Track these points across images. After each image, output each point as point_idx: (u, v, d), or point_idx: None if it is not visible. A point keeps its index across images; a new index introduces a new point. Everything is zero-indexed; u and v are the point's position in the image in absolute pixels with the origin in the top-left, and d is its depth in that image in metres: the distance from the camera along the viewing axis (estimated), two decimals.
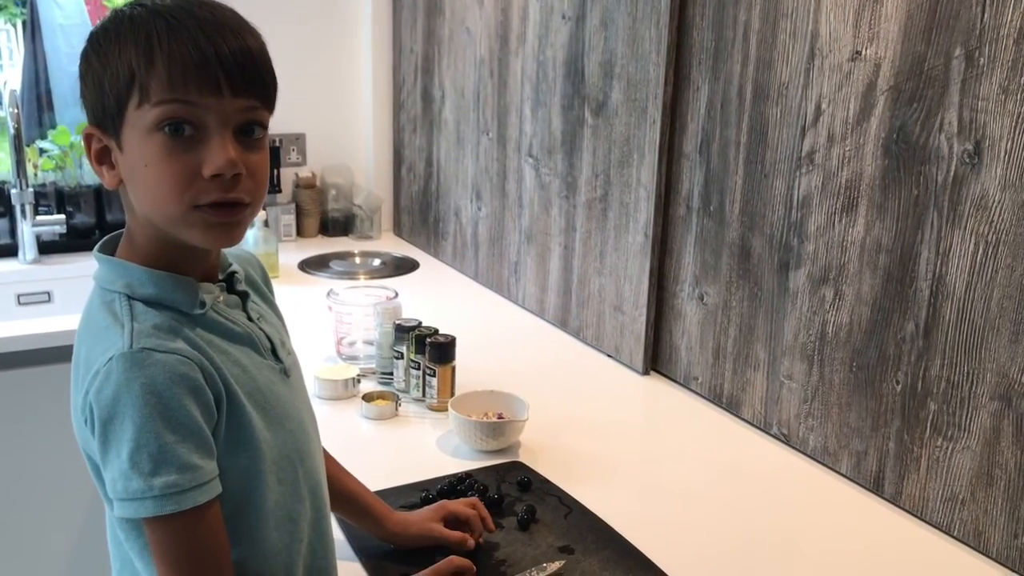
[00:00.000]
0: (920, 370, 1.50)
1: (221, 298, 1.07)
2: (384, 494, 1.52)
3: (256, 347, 1.09)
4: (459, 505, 1.38)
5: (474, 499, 1.40)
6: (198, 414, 0.95)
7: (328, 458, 1.34)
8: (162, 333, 0.96)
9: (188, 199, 0.94)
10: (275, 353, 1.14)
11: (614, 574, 1.34)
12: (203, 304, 1.02)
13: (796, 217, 1.70)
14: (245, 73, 0.93)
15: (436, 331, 1.91)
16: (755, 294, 1.82)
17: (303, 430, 1.16)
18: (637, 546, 1.41)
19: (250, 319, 1.10)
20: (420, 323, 1.94)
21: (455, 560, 1.27)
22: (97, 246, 1.04)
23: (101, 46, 0.96)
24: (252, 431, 1.04)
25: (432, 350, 1.86)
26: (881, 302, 1.56)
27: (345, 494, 1.35)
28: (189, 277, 1.01)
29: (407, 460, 1.69)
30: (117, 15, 0.97)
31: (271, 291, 1.24)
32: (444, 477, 1.60)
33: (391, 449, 1.75)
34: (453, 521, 1.38)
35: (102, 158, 1.00)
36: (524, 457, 1.70)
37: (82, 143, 1.05)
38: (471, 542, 1.35)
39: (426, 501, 1.49)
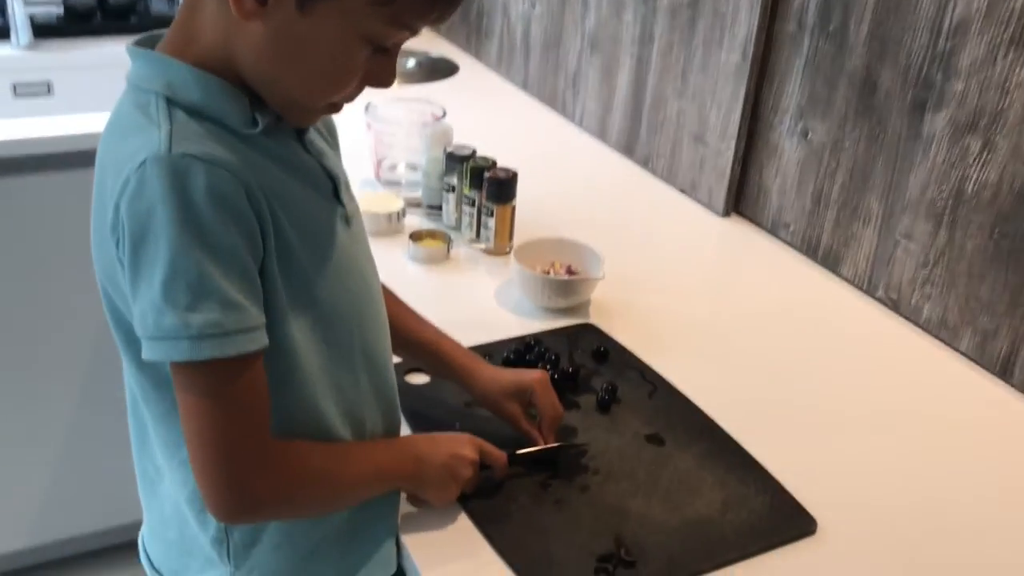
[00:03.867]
0: None
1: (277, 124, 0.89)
2: None
3: (316, 183, 0.92)
4: (545, 395, 1.16)
5: (544, 377, 1.18)
6: (243, 245, 0.81)
7: (395, 301, 1.17)
8: (206, 141, 0.81)
9: (334, 97, 0.87)
10: (337, 194, 0.95)
11: (714, 473, 1.16)
12: (256, 122, 0.85)
13: (944, 47, 1.40)
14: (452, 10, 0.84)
15: (494, 163, 1.64)
16: (876, 136, 1.53)
17: (366, 288, 0.99)
18: (735, 437, 1.22)
19: (308, 152, 0.94)
20: (475, 152, 1.68)
21: (497, 455, 1.09)
22: (133, 40, 0.88)
23: None
24: (303, 279, 0.89)
25: (491, 187, 1.60)
26: None
27: (420, 344, 1.17)
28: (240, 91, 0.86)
29: (462, 314, 1.47)
30: None
31: (335, 137, 1.04)
32: (508, 342, 1.39)
33: (443, 300, 1.53)
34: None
35: None
36: (596, 318, 1.49)
37: None
38: (539, 442, 1.16)
39: None
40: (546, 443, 1.15)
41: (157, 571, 1.05)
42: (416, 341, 1.18)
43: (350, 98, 0.88)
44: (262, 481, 0.86)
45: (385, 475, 0.99)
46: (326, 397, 0.94)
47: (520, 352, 1.35)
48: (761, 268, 1.72)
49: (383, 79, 0.86)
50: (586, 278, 1.50)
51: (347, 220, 0.96)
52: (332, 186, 0.95)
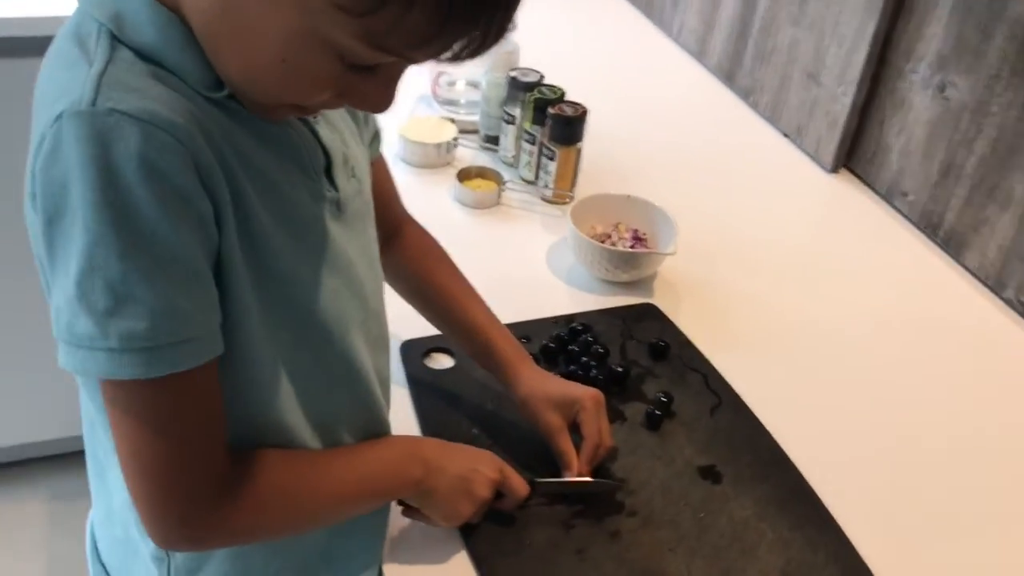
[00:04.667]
0: None
1: None
2: None
3: (300, 159, 0.73)
4: (594, 419, 0.96)
5: (598, 398, 0.98)
6: (187, 233, 0.62)
7: (444, 265, 1.01)
8: (149, 91, 0.61)
9: (291, 100, 0.66)
10: (330, 174, 0.75)
11: (776, 527, 0.95)
12: (220, 86, 0.65)
13: None
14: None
15: (562, 95, 1.40)
16: None
17: (355, 290, 0.79)
18: (809, 479, 1.00)
19: (303, 120, 0.74)
20: (542, 78, 1.43)
21: (519, 485, 0.91)
22: None
23: None
24: (275, 273, 0.71)
25: (555, 125, 1.36)
26: None
27: (467, 327, 1.00)
28: None
29: (505, 275, 1.26)
30: None
31: None
32: (552, 322, 1.18)
33: (486, 254, 1.32)
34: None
35: None
36: (660, 297, 1.26)
37: None
38: (572, 474, 0.96)
39: None
40: (582, 474, 0.95)
41: (103, 565, 0.91)
42: (463, 322, 1.00)
43: (327, 106, 0.68)
44: (210, 513, 0.70)
45: (382, 480, 0.82)
46: (293, 411, 0.76)
47: (563, 340, 1.15)
48: (868, 242, 1.45)
49: (369, 103, 0.66)
50: (653, 252, 1.26)
51: (338, 206, 0.76)
52: (325, 163, 0.74)
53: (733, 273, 1.33)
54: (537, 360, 1.10)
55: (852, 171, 1.59)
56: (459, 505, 0.86)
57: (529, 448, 0.97)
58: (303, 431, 0.77)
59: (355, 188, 0.79)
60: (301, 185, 0.72)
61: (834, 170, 1.59)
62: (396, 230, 1.00)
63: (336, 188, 0.75)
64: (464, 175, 1.42)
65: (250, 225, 0.67)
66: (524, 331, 1.16)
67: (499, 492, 0.89)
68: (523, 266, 1.30)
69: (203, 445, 0.68)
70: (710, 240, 1.38)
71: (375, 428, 0.85)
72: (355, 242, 0.79)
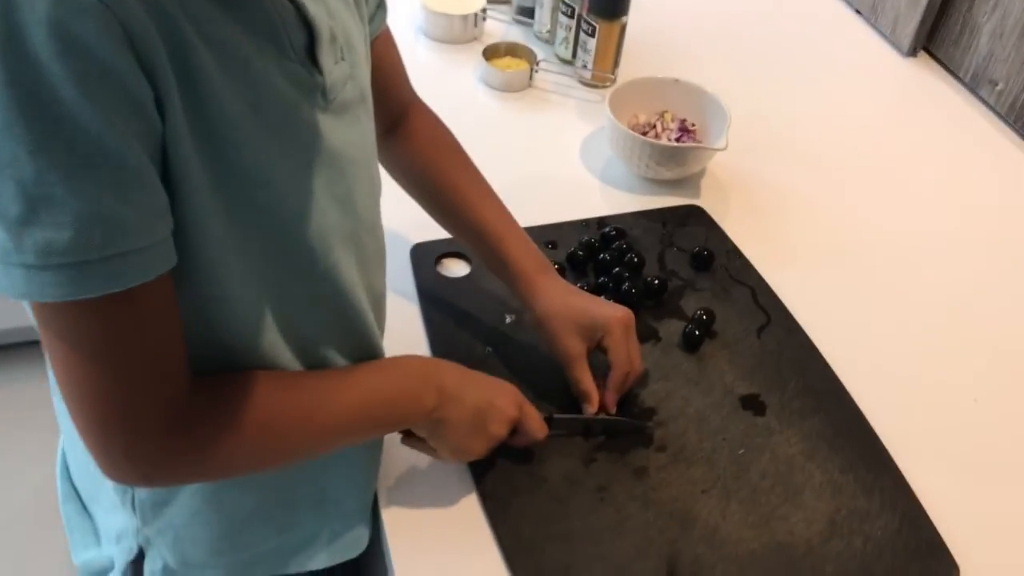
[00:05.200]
0: None
1: None
2: None
3: (274, 33, 0.59)
4: (622, 342, 0.84)
5: (628, 319, 0.86)
6: (118, 118, 0.50)
7: (454, 156, 0.90)
8: None
9: None
10: (312, 53, 0.62)
11: (826, 468, 0.83)
12: None
13: None
14: None
15: None
16: None
17: (341, 196, 0.67)
18: (867, 413, 0.88)
19: None
20: None
21: (537, 427, 0.80)
22: None
23: None
24: (242, 170, 0.58)
25: None
26: None
27: (478, 230, 0.88)
28: None
29: (533, 168, 1.13)
30: None
31: None
32: (583, 225, 1.06)
33: (513, 144, 1.18)
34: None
35: None
36: (707, 198, 1.12)
37: None
38: (592, 407, 0.85)
39: None
40: (606, 405, 0.84)
41: (75, 488, 0.83)
42: (474, 224, 0.87)
43: None
44: (161, 448, 0.60)
45: (392, 407, 0.71)
46: (269, 333, 0.65)
47: (593, 246, 1.02)
48: (948, 138, 1.28)
49: None
50: (701, 146, 1.11)
51: (323, 93, 0.63)
52: (306, 39, 0.61)
53: (791, 172, 1.18)
54: (562, 270, 0.99)
55: (932, 55, 1.40)
56: (471, 440, 0.76)
57: (550, 374, 0.86)
58: (282, 355, 0.67)
59: (344, 72, 0.65)
60: (275, 66, 0.59)
61: (912, 53, 1.41)
62: (401, 115, 0.87)
63: (320, 71, 0.62)
64: (492, 52, 1.27)
65: (208, 111, 0.54)
66: (549, 235, 1.03)
67: (514, 428, 0.78)
68: (553, 159, 1.16)
69: (151, 373, 0.57)
70: (767, 133, 1.23)
71: (365, 353, 0.74)
72: (345, 138, 0.66)
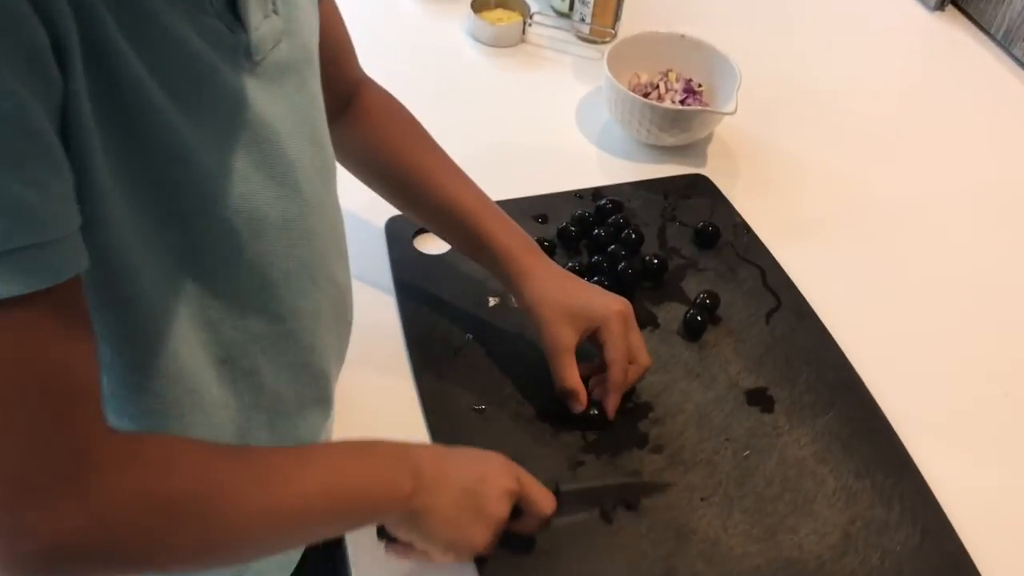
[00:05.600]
0: None
1: None
2: None
3: None
4: (620, 337, 0.75)
5: (626, 311, 0.77)
6: (9, 69, 0.40)
7: (408, 127, 0.80)
8: None
9: None
10: (235, 7, 0.52)
11: (840, 473, 0.75)
12: None
13: None
14: None
15: None
16: None
17: (276, 174, 0.58)
18: (886, 410, 0.80)
19: None
20: None
21: (543, 499, 0.66)
22: None
23: None
24: (153, 144, 0.49)
25: None
26: None
27: (448, 211, 0.78)
28: None
29: (521, 135, 1.04)
30: None
31: None
32: (576, 196, 0.97)
33: (502, 106, 1.09)
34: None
35: None
36: (714, 166, 1.03)
37: None
38: (579, 406, 0.76)
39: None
40: (606, 409, 0.76)
41: None
42: (446, 206, 0.78)
43: None
44: (73, 513, 0.45)
45: (355, 491, 0.57)
46: (185, 338, 0.55)
47: (587, 221, 0.93)
48: (978, 100, 1.18)
49: None
50: (708, 110, 1.01)
51: (248, 53, 0.53)
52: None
53: (807, 139, 1.08)
54: (552, 248, 0.90)
55: (962, 9, 1.30)
56: (466, 529, 0.62)
57: (539, 365, 0.77)
58: (201, 370, 0.57)
59: (276, 28, 0.56)
60: (189, 21, 0.50)
61: (939, 7, 1.31)
62: (350, 95, 0.77)
63: (244, 27, 0.53)
64: (481, 4, 1.17)
65: (110, 71, 0.45)
66: (539, 208, 0.94)
67: (515, 508, 0.65)
68: (545, 123, 1.07)
69: (57, 411, 0.45)
70: (780, 96, 1.13)
71: (315, 373, 0.66)
72: (281, 107, 0.57)
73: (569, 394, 0.75)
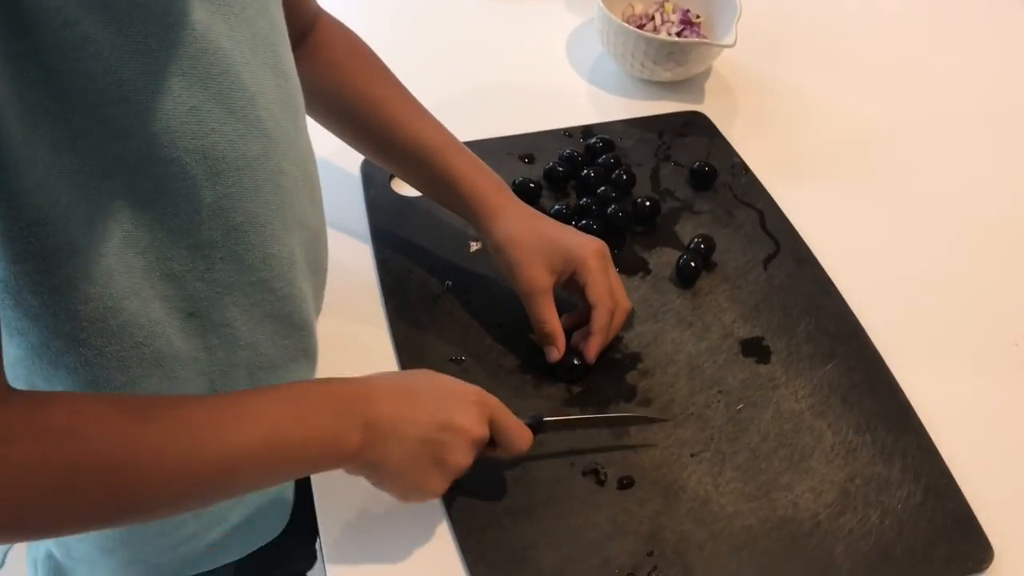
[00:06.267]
0: None
1: None
2: None
3: None
4: (601, 278, 0.70)
5: (602, 251, 0.72)
6: None
7: (368, 62, 0.74)
8: None
9: None
10: None
11: (839, 428, 0.71)
12: None
13: None
14: None
15: None
16: None
17: (235, 108, 0.52)
18: (889, 361, 0.75)
19: None
20: None
21: (518, 438, 0.63)
22: None
23: None
24: (84, 75, 0.44)
25: None
26: None
27: (411, 151, 0.73)
28: None
29: (507, 71, 0.99)
30: None
31: None
32: (564, 135, 0.91)
33: (486, 40, 1.04)
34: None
35: None
36: (712, 102, 0.97)
37: None
38: (557, 354, 0.71)
39: (521, 193, 0.83)
40: (587, 354, 0.71)
41: None
42: (409, 145, 0.73)
43: None
44: None
45: (294, 450, 0.52)
46: (141, 290, 0.52)
47: (576, 160, 0.88)
48: (994, 31, 1.12)
49: None
50: (706, 42, 0.95)
51: None
52: None
53: (810, 74, 1.02)
54: (537, 190, 0.85)
55: None
56: (422, 480, 0.58)
57: (520, 312, 0.73)
58: (164, 323, 0.53)
59: None
60: None
61: None
62: (305, 30, 0.72)
63: None
64: None
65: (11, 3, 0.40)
66: (525, 147, 0.89)
67: (494, 442, 0.62)
68: (533, 56, 1.02)
69: None
70: (781, 28, 1.07)
71: (294, 323, 0.61)
72: (238, 32, 0.52)
73: (549, 339, 0.70)
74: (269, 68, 0.55)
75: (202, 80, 0.49)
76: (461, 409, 0.58)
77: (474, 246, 0.80)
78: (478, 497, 0.65)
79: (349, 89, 0.72)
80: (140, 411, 0.47)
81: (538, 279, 0.70)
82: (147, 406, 0.48)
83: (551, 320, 0.70)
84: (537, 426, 0.65)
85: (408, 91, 0.74)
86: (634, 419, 0.70)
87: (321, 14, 0.74)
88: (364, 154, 0.77)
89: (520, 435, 0.62)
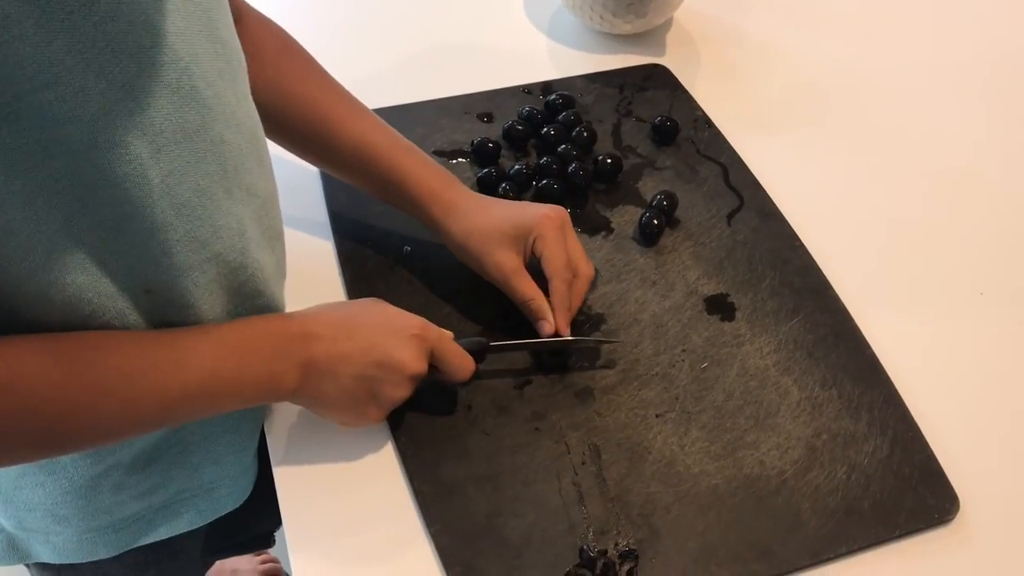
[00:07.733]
0: None
1: None
2: (406, 110, 0.84)
3: None
4: (556, 244, 0.68)
5: (558, 217, 0.70)
6: None
7: (298, 60, 0.71)
8: None
9: None
10: None
11: (805, 383, 0.70)
12: None
13: None
14: None
15: None
16: None
17: (178, 89, 0.50)
18: (855, 315, 0.75)
19: None
20: None
21: (459, 366, 0.64)
22: None
23: None
24: (17, 63, 0.42)
25: None
26: None
27: (351, 150, 0.71)
28: None
29: (463, 29, 0.96)
30: None
31: None
32: (522, 92, 0.89)
33: (441, 1, 1.00)
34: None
35: None
36: (674, 55, 0.95)
37: None
38: (549, 326, 0.69)
39: (480, 153, 0.81)
40: (558, 328, 0.69)
41: None
42: (352, 147, 0.70)
43: None
44: None
45: (230, 391, 0.55)
46: (77, 270, 0.49)
47: (535, 118, 0.85)
48: None
49: None
50: None
51: None
52: None
53: (773, 22, 1.00)
54: (496, 150, 0.83)
55: None
56: (358, 412, 0.61)
57: (486, 281, 0.71)
58: (113, 300, 0.51)
59: None
60: None
61: None
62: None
63: None
64: None
65: None
66: (483, 106, 0.87)
67: (436, 368, 0.63)
68: (490, 12, 0.99)
69: None
70: None
71: (252, 293, 0.60)
72: (165, 2, 0.49)
73: (536, 313, 0.68)
74: (204, 35, 0.52)
75: (132, 54, 0.46)
76: (399, 344, 0.60)
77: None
78: (443, 463, 0.64)
79: (282, 91, 0.69)
80: (78, 362, 0.49)
81: (506, 262, 0.69)
82: (86, 356, 0.49)
83: (536, 296, 0.68)
84: (481, 351, 0.66)
85: (346, 90, 0.71)
86: (580, 342, 0.70)
87: (246, 8, 0.70)
88: (305, 159, 0.74)
89: (462, 364, 0.64)
